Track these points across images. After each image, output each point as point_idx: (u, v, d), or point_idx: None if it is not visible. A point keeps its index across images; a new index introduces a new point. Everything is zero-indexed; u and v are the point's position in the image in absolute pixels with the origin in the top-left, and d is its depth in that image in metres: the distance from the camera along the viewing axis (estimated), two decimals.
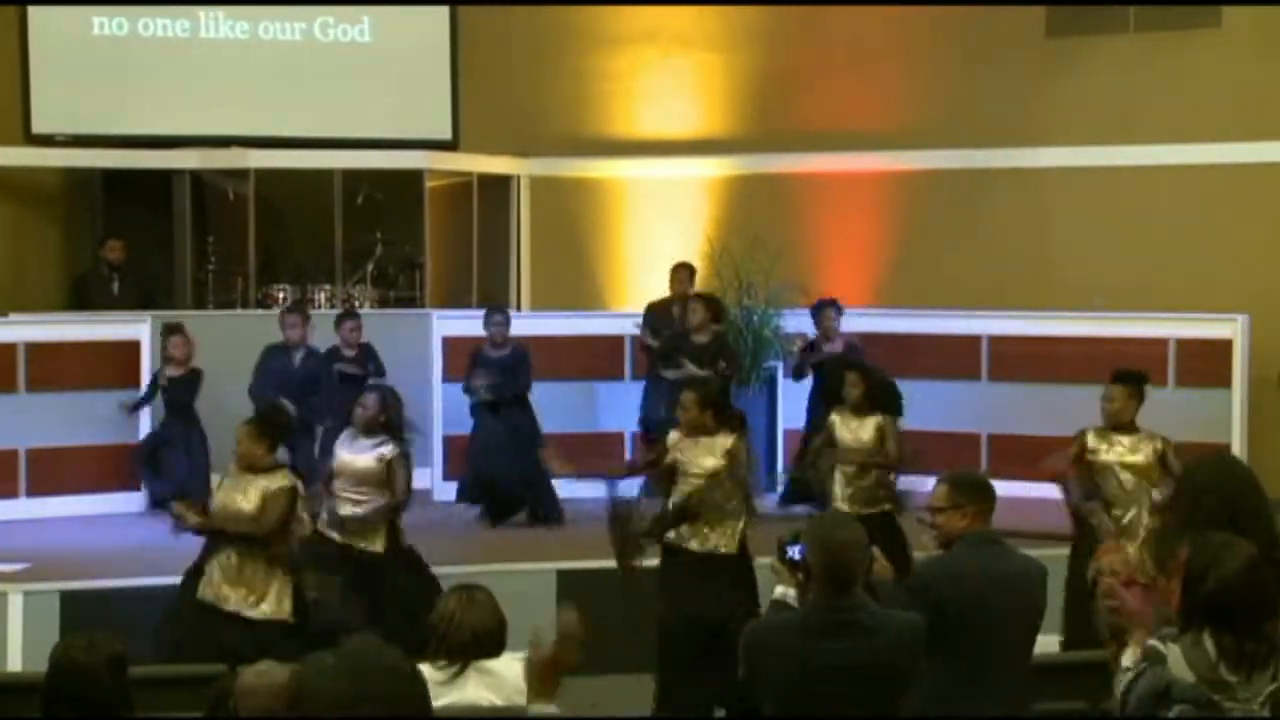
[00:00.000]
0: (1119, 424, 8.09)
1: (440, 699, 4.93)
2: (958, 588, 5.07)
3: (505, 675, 4.99)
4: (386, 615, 7.94)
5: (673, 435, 7.91)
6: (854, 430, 8.95)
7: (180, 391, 11.20)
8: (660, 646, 7.66)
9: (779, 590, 4.89)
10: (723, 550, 7.67)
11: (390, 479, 8.18)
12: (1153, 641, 4.34)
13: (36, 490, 11.22)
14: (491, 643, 4.96)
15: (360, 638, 3.03)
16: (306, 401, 10.87)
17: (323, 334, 11.41)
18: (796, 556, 4.80)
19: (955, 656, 5.01)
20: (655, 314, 11.68)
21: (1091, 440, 8.15)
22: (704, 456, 7.71)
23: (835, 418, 9.00)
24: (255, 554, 7.29)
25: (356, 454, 8.26)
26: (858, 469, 8.78)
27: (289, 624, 7.34)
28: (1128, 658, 4.45)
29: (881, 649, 4.39)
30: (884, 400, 8.95)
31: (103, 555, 9.51)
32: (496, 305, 11.75)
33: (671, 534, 7.70)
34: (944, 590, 5.02)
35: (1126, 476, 8.04)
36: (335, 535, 8.20)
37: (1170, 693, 4.20)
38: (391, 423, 8.31)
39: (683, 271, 11.82)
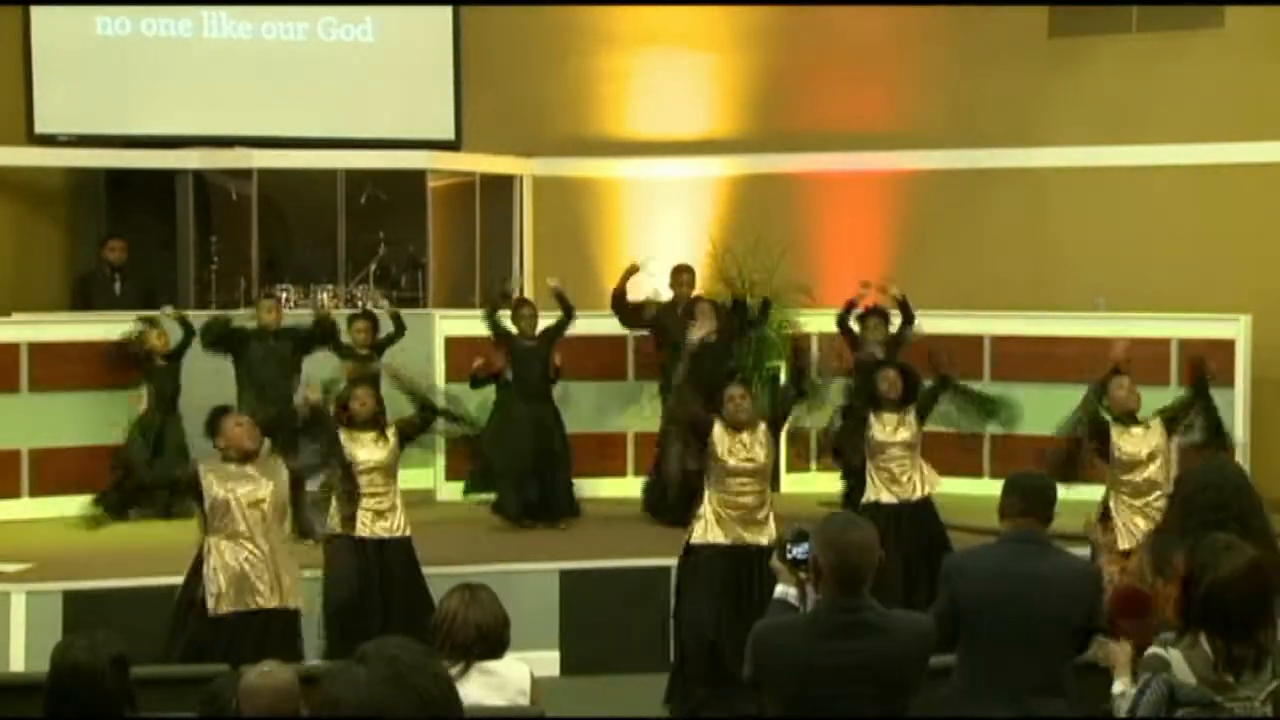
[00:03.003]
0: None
1: None
2: (973, 579, 5.16)
3: (508, 675, 4.99)
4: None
5: None
6: (893, 428, 9.06)
7: (168, 379, 11.15)
8: None
9: (780, 589, 4.86)
10: None
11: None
12: (1155, 649, 4.33)
13: (39, 490, 11.23)
14: (495, 641, 4.96)
15: (386, 640, 2.95)
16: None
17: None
18: (799, 556, 4.78)
19: (973, 648, 5.06)
20: (662, 315, 11.48)
21: None
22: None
23: (872, 419, 9.09)
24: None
25: (372, 450, 8.34)
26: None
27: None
28: (1118, 686, 4.49)
29: (890, 650, 4.37)
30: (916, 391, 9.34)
31: (105, 555, 9.51)
32: (524, 299, 11.73)
33: None
34: (958, 580, 5.15)
35: None
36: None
37: (1175, 696, 4.21)
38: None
39: (683, 274, 11.70)
